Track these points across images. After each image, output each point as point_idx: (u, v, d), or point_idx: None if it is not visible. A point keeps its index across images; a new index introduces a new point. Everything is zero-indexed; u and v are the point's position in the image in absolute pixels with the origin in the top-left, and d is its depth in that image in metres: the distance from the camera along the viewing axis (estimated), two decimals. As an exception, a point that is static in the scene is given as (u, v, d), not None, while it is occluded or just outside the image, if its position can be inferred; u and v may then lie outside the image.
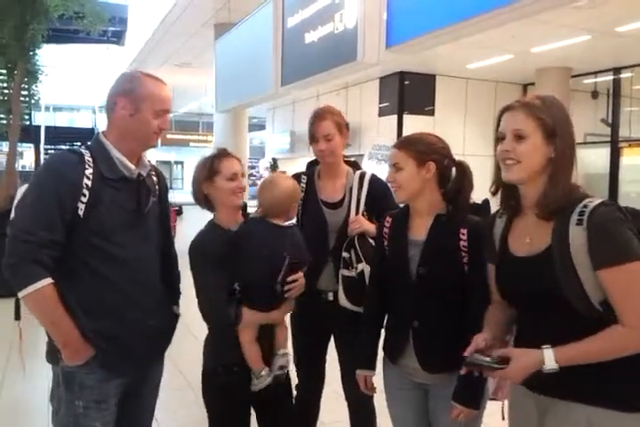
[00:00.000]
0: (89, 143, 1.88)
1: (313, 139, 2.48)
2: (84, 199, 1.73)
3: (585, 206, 1.41)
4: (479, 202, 1.99)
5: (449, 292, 1.84)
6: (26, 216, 1.71)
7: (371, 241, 2.35)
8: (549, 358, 1.40)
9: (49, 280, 1.68)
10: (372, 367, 2.04)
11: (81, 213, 1.72)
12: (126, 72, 1.93)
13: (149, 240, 1.93)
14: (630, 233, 1.37)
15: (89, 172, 1.75)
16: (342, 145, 2.51)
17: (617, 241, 1.37)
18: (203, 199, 2.18)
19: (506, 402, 1.83)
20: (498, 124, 1.58)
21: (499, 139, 1.55)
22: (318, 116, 2.48)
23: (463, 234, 1.83)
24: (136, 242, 1.86)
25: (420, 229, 1.92)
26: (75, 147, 1.86)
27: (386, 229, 2.02)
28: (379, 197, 2.47)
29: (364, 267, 2.30)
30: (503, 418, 1.82)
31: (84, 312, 1.76)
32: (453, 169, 1.92)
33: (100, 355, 1.78)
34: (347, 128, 2.53)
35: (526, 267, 1.52)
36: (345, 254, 2.36)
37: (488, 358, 1.46)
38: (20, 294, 1.67)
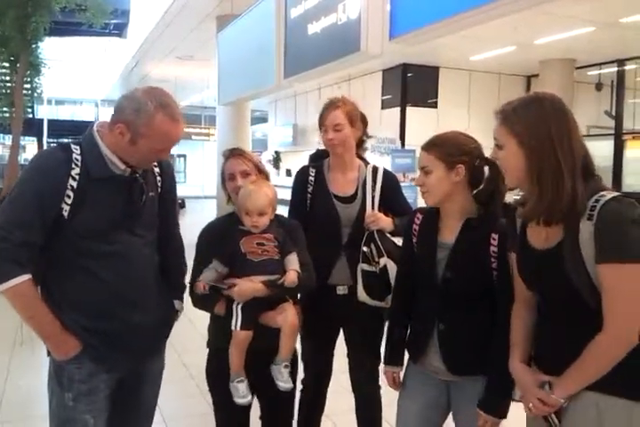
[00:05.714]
0: (81, 138, 1.81)
1: (322, 127, 2.41)
2: (69, 200, 1.67)
3: (597, 201, 1.38)
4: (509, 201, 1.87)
5: (476, 296, 1.79)
6: (5, 214, 1.67)
7: (389, 236, 2.33)
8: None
9: (25, 277, 1.66)
10: (400, 364, 2.00)
11: (65, 213, 1.67)
12: (137, 96, 1.70)
13: (143, 236, 1.87)
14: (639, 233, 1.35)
15: (75, 172, 1.69)
16: (354, 137, 2.43)
17: (621, 238, 1.34)
18: (229, 199, 2.24)
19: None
20: None
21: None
22: (330, 105, 2.40)
23: (494, 239, 1.74)
24: (128, 239, 1.81)
25: (449, 232, 1.84)
26: (65, 142, 1.79)
27: (415, 226, 1.94)
28: (390, 191, 2.43)
29: (386, 261, 2.26)
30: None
31: (72, 308, 1.75)
32: (486, 169, 1.79)
33: (89, 349, 1.77)
34: (362, 121, 2.44)
35: (542, 260, 1.51)
36: (365, 249, 2.30)
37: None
38: None
